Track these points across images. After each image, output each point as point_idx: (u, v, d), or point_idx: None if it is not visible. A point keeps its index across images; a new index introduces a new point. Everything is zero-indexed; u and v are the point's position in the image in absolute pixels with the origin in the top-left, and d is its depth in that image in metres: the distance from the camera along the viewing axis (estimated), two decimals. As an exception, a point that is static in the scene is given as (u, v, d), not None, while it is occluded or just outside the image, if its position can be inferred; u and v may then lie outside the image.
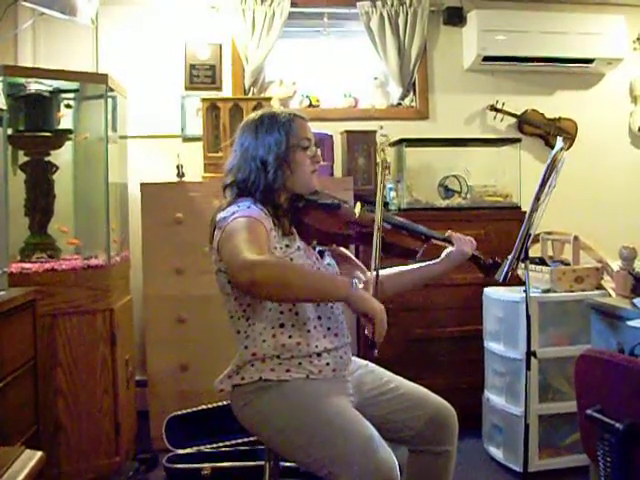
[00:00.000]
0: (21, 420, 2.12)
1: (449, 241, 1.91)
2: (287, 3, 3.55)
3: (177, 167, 3.11)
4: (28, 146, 2.70)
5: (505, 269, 1.99)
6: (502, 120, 3.82)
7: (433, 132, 3.72)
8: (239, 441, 2.74)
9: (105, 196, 2.68)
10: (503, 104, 3.77)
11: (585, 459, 2.14)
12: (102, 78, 2.74)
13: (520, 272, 2.17)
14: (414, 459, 1.75)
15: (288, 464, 2.27)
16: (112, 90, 2.79)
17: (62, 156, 2.81)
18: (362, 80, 3.84)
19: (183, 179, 3.11)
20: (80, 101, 2.91)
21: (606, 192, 3.87)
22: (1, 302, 1.97)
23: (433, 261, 1.92)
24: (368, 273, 1.88)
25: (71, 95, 2.87)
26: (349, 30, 3.83)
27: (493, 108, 3.77)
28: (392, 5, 3.65)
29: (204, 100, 3.23)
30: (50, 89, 2.73)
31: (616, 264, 2.56)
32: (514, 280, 2.12)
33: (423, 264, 1.93)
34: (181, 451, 2.78)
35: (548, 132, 3.85)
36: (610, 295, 2.64)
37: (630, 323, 2.03)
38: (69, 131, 2.82)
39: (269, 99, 3.37)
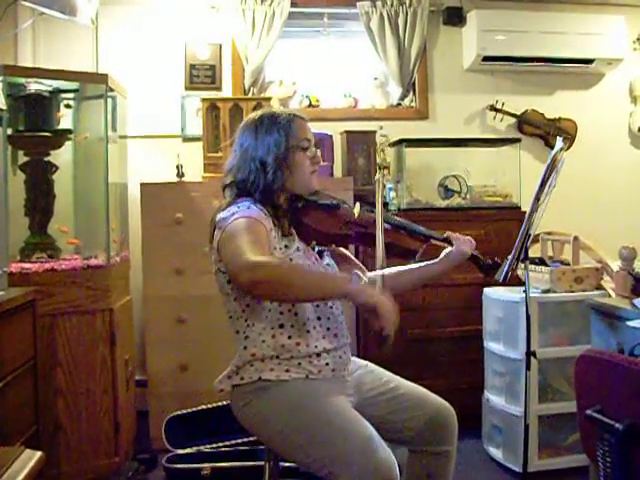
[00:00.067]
0: (21, 420, 2.12)
1: (448, 241, 1.91)
2: (287, 3, 3.55)
3: (177, 167, 3.11)
4: (28, 146, 2.70)
5: (505, 269, 1.99)
6: (502, 120, 3.82)
7: (433, 132, 3.72)
8: (239, 441, 2.74)
9: (105, 196, 2.68)
10: (503, 104, 3.77)
11: (585, 459, 2.14)
12: (102, 78, 2.74)
13: (520, 272, 2.18)
14: (414, 459, 1.75)
15: (288, 464, 2.28)
16: (112, 90, 2.79)
17: (62, 156, 2.81)
18: (362, 80, 3.84)
19: (183, 179, 3.11)
20: (80, 101, 2.91)
21: (606, 192, 3.87)
22: (1, 302, 1.97)
23: (432, 261, 1.92)
24: (368, 273, 1.89)
25: (71, 95, 2.87)
26: (349, 30, 3.83)
27: (493, 108, 3.77)
28: (392, 5, 3.65)
29: (204, 100, 3.23)
30: (50, 89, 2.73)
31: (616, 264, 2.56)
32: (514, 280, 2.12)
33: (422, 264, 1.93)
34: (181, 451, 2.78)
35: (548, 132, 3.85)
36: (610, 295, 2.64)
37: (630, 323, 2.03)
38: (69, 131, 2.82)
39: (269, 99, 3.37)
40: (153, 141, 3.56)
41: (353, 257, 1.96)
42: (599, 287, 2.80)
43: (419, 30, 3.67)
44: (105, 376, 2.62)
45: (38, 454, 1.41)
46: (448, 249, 1.91)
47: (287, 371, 1.62)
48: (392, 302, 1.46)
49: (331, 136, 3.38)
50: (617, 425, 1.58)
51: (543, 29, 3.63)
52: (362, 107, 3.79)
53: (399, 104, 3.77)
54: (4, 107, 2.29)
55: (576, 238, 2.91)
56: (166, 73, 3.59)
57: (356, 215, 1.81)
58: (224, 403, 2.77)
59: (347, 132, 3.48)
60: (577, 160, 3.58)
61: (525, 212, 2.08)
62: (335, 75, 3.82)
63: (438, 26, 3.80)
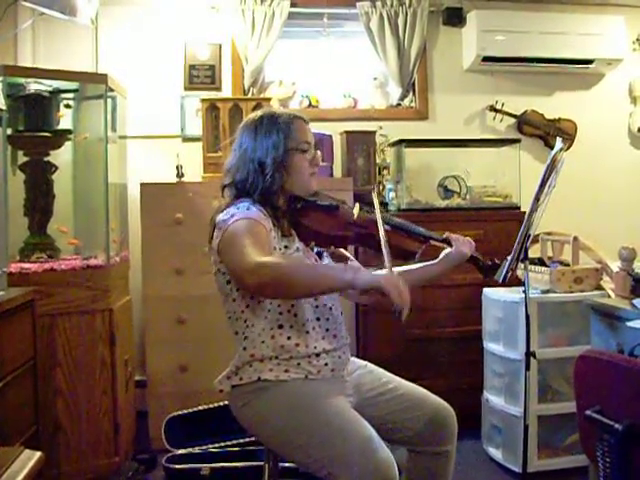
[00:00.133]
0: (20, 420, 2.12)
1: (448, 242, 1.91)
2: (287, 3, 3.55)
3: (177, 167, 3.11)
4: (27, 146, 2.70)
5: (504, 270, 1.99)
6: (502, 121, 3.82)
7: (432, 132, 3.72)
8: (238, 441, 2.74)
9: (105, 196, 2.68)
10: (503, 104, 3.77)
11: (584, 460, 2.14)
12: (102, 78, 2.73)
13: (519, 273, 2.18)
14: (413, 460, 1.75)
15: (287, 464, 2.27)
16: (112, 90, 2.78)
17: (62, 156, 2.81)
18: (362, 80, 3.84)
19: (183, 179, 3.11)
20: (80, 101, 2.91)
21: (605, 193, 3.87)
22: (1, 302, 1.97)
23: (431, 262, 1.92)
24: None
25: (71, 95, 2.87)
26: (349, 30, 3.83)
27: (493, 109, 3.77)
28: (392, 5, 3.65)
29: (204, 100, 3.23)
30: (50, 89, 2.73)
31: (615, 265, 2.56)
32: (513, 281, 2.13)
33: (421, 265, 1.92)
34: (180, 451, 2.78)
35: (548, 133, 3.85)
36: (609, 296, 2.65)
37: (629, 324, 2.04)
38: (69, 131, 2.82)
39: (269, 99, 3.37)
40: (153, 141, 3.56)
41: (353, 258, 1.96)
42: (599, 287, 2.80)
43: (419, 30, 3.67)
44: (105, 376, 2.62)
45: (38, 454, 1.41)
46: (447, 250, 1.91)
47: (286, 371, 1.63)
48: (392, 274, 1.45)
49: (331, 136, 3.38)
50: (617, 425, 1.58)
51: (543, 29, 3.63)
52: (362, 107, 3.79)
53: (399, 104, 3.77)
54: (4, 107, 2.29)
55: (576, 238, 2.91)
56: (166, 73, 3.59)
57: (355, 216, 1.81)
58: (224, 403, 2.76)
59: (347, 132, 3.48)
60: (577, 160, 3.58)
61: (525, 212, 2.08)
62: (335, 75, 3.82)
63: (438, 26, 3.80)
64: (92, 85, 2.81)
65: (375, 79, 3.83)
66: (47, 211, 2.73)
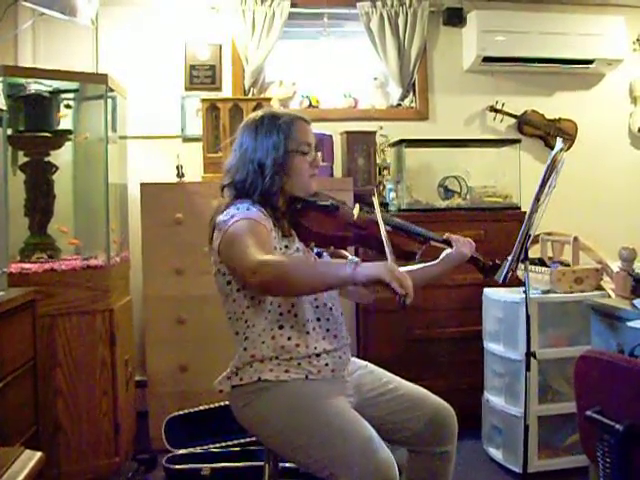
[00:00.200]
0: (21, 420, 2.12)
1: (448, 243, 1.91)
2: (287, 3, 3.55)
3: (177, 167, 3.11)
4: (28, 146, 2.70)
5: (505, 270, 1.99)
6: (502, 121, 3.82)
7: (433, 133, 3.72)
8: (239, 441, 2.74)
9: (105, 196, 2.68)
10: (503, 105, 3.77)
11: (585, 460, 2.14)
12: (102, 78, 2.73)
13: (520, 273, 2.18)
14: (414, 460, 1.75)
15: (288, 465, 2.27)
16: (112, 90, 2.79)
17: (62, 156, 2.81)
18: (362, 80, 3.84)
19: (183, 179, 3.11)
20: (80, 101, 2.91)
21: (606, 193, 3.87)
22: (1, 302, 1.97)
23: (432, 262, 1.92)
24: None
25: (71, 95, 2.87)
26: (349, 31, 3.83)
27: (493, 109, 3.77)
28: (392, 6, 3.65)
29: (204, 100, 3.23)
30: (50, 89, 2.73)
31: (616, 265, 2.56)
32: (514, 281, 2.13)
33: (421, 265, 1.92)
34: (180, 451, 2.77)
35: (548, 133, 3.85)
36: (610, 296, 2.65)
37: (630, 324, 2.04)
38: (69, 131, 2.82)
39: (269, 99, 3.37)
40: (153, 141, 3.56)
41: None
42: (599, 288, 2.80)
43: (419, 30, 3.67)
44: (105, 376, 2.62)
45: (38, 454, 1.41)
46: (448, 251, 1.91)
47: (286, 372, 1.62)
48: (389, 263, 1.44)
49: (331, 136, 3.38)
50: (617, 426, 1.58)
51: (543, 30, 3.63)
52: (362, 107, 3.80)
53: (399, 104, 3.77)
54: (4, 107, 2.29)
55: (576, 239, 2.91)
56: (166, 73, 3.59)
57: (355, 216, 1.80)
58: (224, 403, 2.76)
59: (347, 132, 3.48)
60: (577, 161, 3.58)
61: (525, 213, 2.08)
62: (335, 75, 3.82)
63: (438, 27, 3.80)
64: (92, 85, 2.81)
65: (375, 79, 3.83)
66: (47, 211, 2.73)
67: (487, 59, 3.65)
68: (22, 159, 2.71)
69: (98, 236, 2.72)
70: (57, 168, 2.77)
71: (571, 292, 2.76)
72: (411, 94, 3.79)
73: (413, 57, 3.68)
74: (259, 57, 3.54)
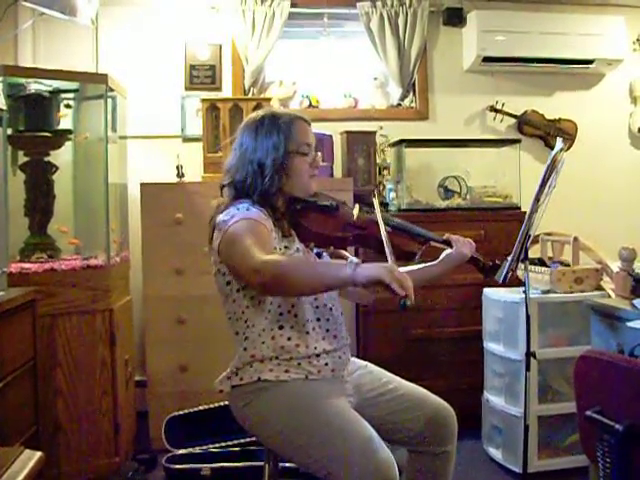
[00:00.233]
0: (21, 420, 2.12)
1: (448, 243, 1.91)
2: (287, 3, 3.55)
3: (177, 167, 3.11)
4: (28, 146, 2.70)
5: (505, 270, 1.99)
6: (502, 121, 3.82)
7: (433, 133, 3.72)
8: (239, 441, 2.74)
9: (105, 196, 2.68)
10: (503, 105, 3.77)
11: (584, 460, 2.14)
12: (102, 78, 2.74)
13: (520, 273, 2.18)
14: (414, 460, 1.75)
15: (287, 464, 2.27)
16: (112, 90, 2.79)
17: (62, 156, 2.81)
18: (362, 80, 3.84)
19: (183, 179, 3.11)
20: (80, 101, 2.91)
21: (606, 193, 3.87)
22: (1, 302, 1.97)
23: (432, 263, 1.92)
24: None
25: (71, 95, 2.87)
26: (349, 30, 3.83)
27: (493, 109, 3.77)
28: (392, 6, 3.65)
29: (204, 100, 3.23)
30: (50, 89, 2.73)
31: (616, 265, 2.56)
32: (514, 281, 2.12)
33: (421, 266, 1.93)
34: (180, 451, 2.78)
35: (548, 133, 3.85)
36: (610, 296, 2.65)
37: (630, 324, 2.04)
38: (69, 131, 2.82)
39: (269, 99, 3.37)
40: (153, 141, 3.56)
41: (352, 258, 1.96)
42: (599, 288, 2.80)
43: (419, 30, 3.67)
44: (105, 376, 2.62)
45: (38, 454, 1.41)
46: (448, 251, 1.91)
47: (286, 372, 1.62)
48: (389, 264, 1.43)
49: (331, 136, 3.38)
50: (617, 426, 1.58)
51: (543, 30, 3.63)
52: (362, 107, 3.80)
53: (399, 104, 3.77)
54: (4, 107, 2.29)
55: (576, 239, 2.91)
56: (166, 73, 3.59)
57: (355, 217, 1.80)
58: (224, 403, 2.76)
59: (347, 132, 3.48)
60: (577, 161, 3.58)
61: (525, 213, 2.08)
62: (335, 75, 3.82)
63: (438, 27, 3.80)
64: (92, 85, 2.81)
65: (375, 79, 3.83)
66: (47, 211, 2.73)
67: (487, 59, 3.65)
68: (22, 159, 2.71)
69: (98, 236, 2.72)
70: (57, 168, 2.77)
71: (571, 292, 2.76)
72: (411, 94, 3.79)
73: (413, 57, 3.68)
74: (259, 57, 3.54)
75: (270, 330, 1.65)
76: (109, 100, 2.79)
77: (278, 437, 1.60)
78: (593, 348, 2.28)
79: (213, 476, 2.61)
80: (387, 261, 1.53)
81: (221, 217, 1.63)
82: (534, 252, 2.89)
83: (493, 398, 2.87)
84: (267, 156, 1.69)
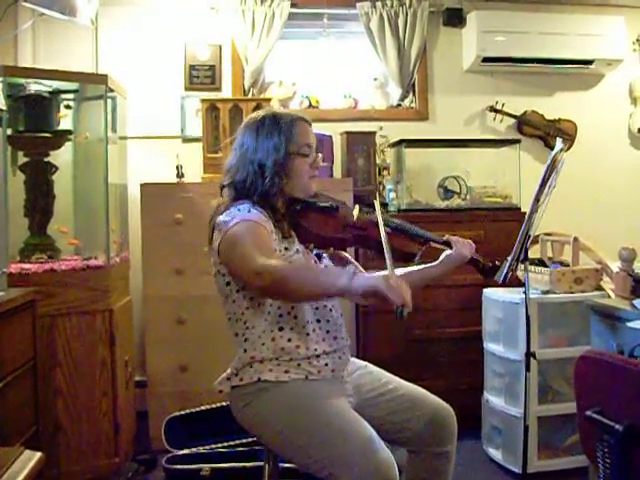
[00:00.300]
0: (20, 420, 2.12)
1: (448, 244, 1.91)
2: (287, 4, 3.55)
3: (177, 168, 3.11)
4: (28, 147, 2.70)
5: (505, 270, 1.99)
6: (502, 121, 3.82)
7: (433, 133, 3.73)
8: (239, 442, 2.74)
9: (105, 197, 2.68)
10: (503, 105, 3.77)
11: (584, 460, 2.15)
12: (102, 78, 2.74)
13: (520, 273, 2.18)
14: (413, 460, 1.75)
15: (287, 465, 2.27)
16: (112, 90, 2.79)
17: (62, 157, 2.81)
18: (362, 81, 3.84)
19: (183, 180, 3.11)
20: (80, 102, 2.91)
21: (606, 193, 3.87)
22: (1, 302, 1.97)
23: (432, 264, 1.93)
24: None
25: (71, 96, 2.87)
26: (349, 31, 3.83)
27: (493, 109, 3.77)
28: (392, 6, 3.65)
29: (204, 101, 3.23)
30: (50, 89, 2.73)
31: (616, 265, 2.56)
32: (514, 281, 2.13)
33: (421, 266, 1.93)
34: (180, 452, 2.77)
35: (548, 133, 3.85)
36: (610, 296, 2.65)
37: (630, 324, 2.04)
38: (69, 132, 2.82)
39: (269, 100, 3.37)
40: (153, 142, 3.56)
41: (352, 259, 1.96)
42: (599, 288, 2.80)
43: (419, 31, 3.67)
44: (105, 377, 2.62)
45: (38, 454, 1.41)
46: (448, 252, 1.91)
47: (286, 372, 1.62)
48: (387, 275, 1.40)
49: (331, 137, 3.38)
50: (617, 426, 1.58)
51: (543, 30, 3.64)
52: (362, 108, 3.80)
53: (399, 105, 3.77)
54: (4, 107, 2.29)
55: (576, 239, 2.91)
56: (166, 73, 3.59)
57: (355, 217, 1.80)
58: (224, 404, 2.77)
59: (347, 133, 3.48)
60: (577, 161, 3.58)
61: (525, 213, 2.08)
62: (335, 76, 3.82)
63: (438, 27, 3.80)
64: (92, 85, 2.81)
65: (375, 79, 3.83)
66: (47, 211, 2.73)
67: (487, 59, 3.66)
68: (22, 159, 2.71)
69: (98, 236, 2.72)
70: (57, 168, 2.77)
71: (571, 292, 2.76)
72: (411, 94, 3.80)
73: (413, 57, 3.68)
74: (259, 57, 3.54)
75: (270, 332, 1.65)
76: (109, 100, 2.79)
77: (278, 437, 1.60)
78: (593, 348, 2.28)
79: (213, 476, 2.61)
80: (386, 262, 1.52)
81: (222, 218, 1.63)
82: (534, 252, 2.89)
83: (493, 398, 2.87)
84: (268, 157, 1.69)
